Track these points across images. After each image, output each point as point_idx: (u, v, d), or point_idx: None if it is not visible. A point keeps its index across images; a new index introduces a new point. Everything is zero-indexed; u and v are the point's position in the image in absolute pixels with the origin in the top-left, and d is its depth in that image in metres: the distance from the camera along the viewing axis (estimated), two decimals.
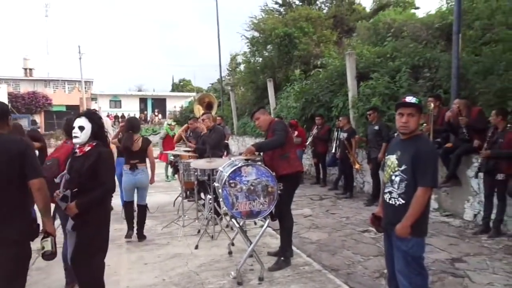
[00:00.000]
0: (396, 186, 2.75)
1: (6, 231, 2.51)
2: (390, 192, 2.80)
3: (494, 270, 4.07)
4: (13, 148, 2.57)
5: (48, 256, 2.72)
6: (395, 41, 10.06)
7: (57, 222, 3.39)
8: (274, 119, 4.57)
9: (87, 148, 3.05)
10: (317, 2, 20.84)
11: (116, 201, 6.05)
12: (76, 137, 3.05)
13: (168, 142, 10.06)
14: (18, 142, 2.64)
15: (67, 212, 2.96)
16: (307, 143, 9.56)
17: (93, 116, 3.14)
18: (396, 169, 2.75)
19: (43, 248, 2.68)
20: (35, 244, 2.71)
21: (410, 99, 2.75)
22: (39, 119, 33.27)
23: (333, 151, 8.54)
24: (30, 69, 38.15)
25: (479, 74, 6.25)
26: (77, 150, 3.10)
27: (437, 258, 4.43)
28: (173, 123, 11.02)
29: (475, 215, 5.80)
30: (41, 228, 2.75)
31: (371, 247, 4.94)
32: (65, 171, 3.11)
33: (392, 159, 2.82)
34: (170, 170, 10.40)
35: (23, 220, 2.61)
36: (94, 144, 3.07)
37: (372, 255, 4.65)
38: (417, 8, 18.24)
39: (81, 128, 3.05)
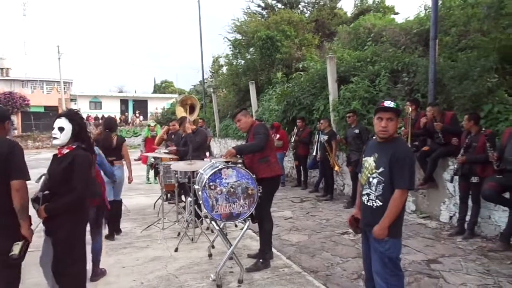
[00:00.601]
0: (373, 188, 2.79)
1: None
2: (368, 194, 2.84)
3: (468, 271, 4.17)
4: (3, 150, 2.68)
5: (13, 260, 2.64)
6: (375, 46, 10.24)
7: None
8: (255, 122, 4.57)
9: (65, 151, 2.95)
10: (299, 6, 21.06)
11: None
12: (55, 138, 2.96)
13: (149, 144, 9.94)
14: (6, 144, 2.73)
15: (38, 215, 2.90)
16: (290, 146, 9.65)
17: (74, 117, 3.03)
18: (374, 171, 2.79)
19: (11, 251, 2.63)
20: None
21: (388, 103, 2.78)
22: (16, 120, 32.41)
23: (314, 153, 8.62)
24: (7, 69, 37.15)
25: (455, 79, 6.40)
26: (57, 152, 3.03)
27: (413, 259, 4.52)
28: (152, 124, 10.83)
29: (450, 217, 5.94)
30: None
31: (350, 248, 5.00)
32: (45, 172, 3.03)
33: (369, 161, 2.86)
34: (152, 172, 10.24)
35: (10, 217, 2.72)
36: (74, 146, 2.97)
37: (350, 256, 4.70)
38: (397, 13, 18.61)
39: (61, 129, 2.95)
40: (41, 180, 3.04)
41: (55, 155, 3.04)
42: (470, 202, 5.33)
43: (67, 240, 2.88)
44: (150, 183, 10.43)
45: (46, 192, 2.88)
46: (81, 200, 2.97)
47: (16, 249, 2.64)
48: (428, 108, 6.11)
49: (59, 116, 3.03)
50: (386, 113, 2.76)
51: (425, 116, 6.12)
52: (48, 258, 3.02)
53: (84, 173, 2.94)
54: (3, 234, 2.67)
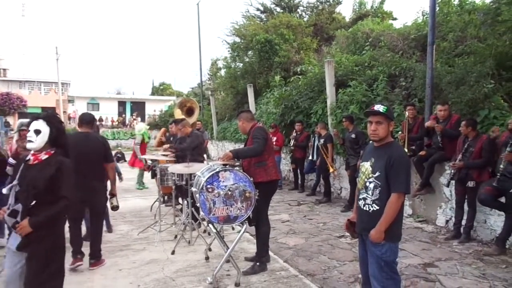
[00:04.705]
0: (370, 192, 2.81)
1: None
2: (364, 199, 2.86)
3: (464, 275, 4.19)
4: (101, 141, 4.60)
5: (115, 208, 4.72)
6: (373, 51, 10.28)
7: None
8: (255, 124, 4.47)
9: (43, 156, 2.76)
10: (298, 10, 21.14)
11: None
12: (30, 141, 2.75)
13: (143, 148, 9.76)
14: (100, 138, 4.72)
15: (17, 231, 2.62)
16: (288, 145, 9.71)
17: (53, 120, 2.85)
18: (370, 175, 2.81)
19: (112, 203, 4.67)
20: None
21: (377, 107, 2.81)
22: (12, 120, 32.26)
23: (310, 157, 8.65)
24: (4, 70, 37.15)
25: (452, 84, 6.43)
26: (30, 157, 2.78)
27: (410, 263, 4.54)
28: (140, 130, 9.76)
29: (447, 221, 5.97)
30: None
31: (347, 252, 5.01)
32: (15, 182, 2.72)
33: (366, 166, 2.88)
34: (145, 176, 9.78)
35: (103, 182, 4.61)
36: (52, 152, 2.80)
37: (347, 260, 4.72)
38: (395, 19, 18.69)
39: (37, 132, 2.75)
40: (12, 191, 2.73)
41: (26, 162, 2.79)
42: (466, 207, 5.36)
43: (45, 255, 2.67)
44: (141, 188, 9.82)
45: (33, 203, 2.64)
46: (70, 210, 2.78)
47: (114, 201, 4.58)
48: (441, 107, 5.94)
49: (36, 118, 2.83)
50: (375, 116, 2.81)
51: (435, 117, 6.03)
52: (15, 275, 2.72)
53: (71, 181, 2.78)
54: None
